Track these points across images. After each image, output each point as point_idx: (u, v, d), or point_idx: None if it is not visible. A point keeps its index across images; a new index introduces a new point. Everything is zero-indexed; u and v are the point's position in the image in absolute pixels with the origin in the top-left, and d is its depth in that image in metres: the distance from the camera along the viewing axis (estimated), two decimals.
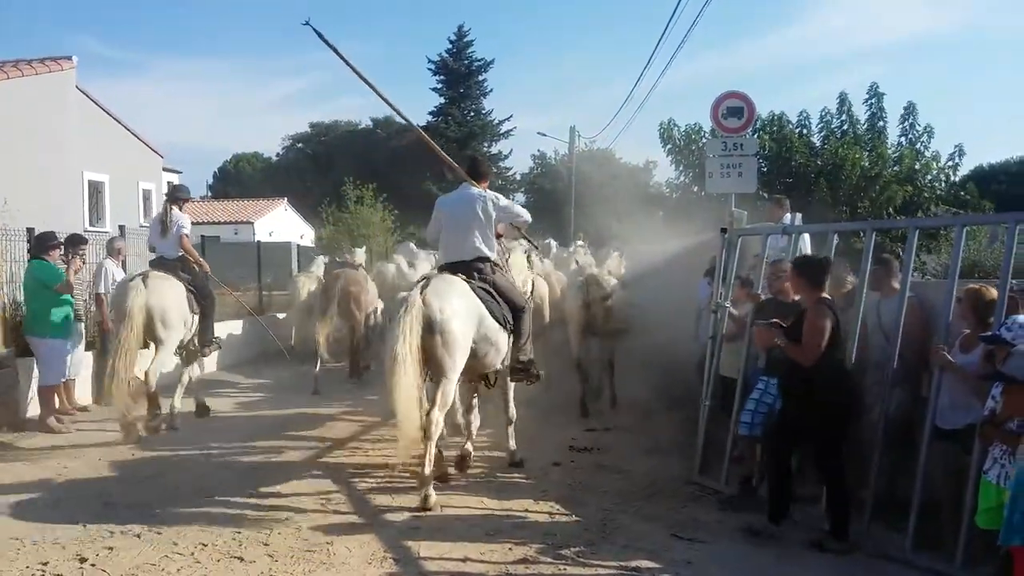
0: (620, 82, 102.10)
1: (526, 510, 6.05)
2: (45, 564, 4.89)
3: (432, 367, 6.04)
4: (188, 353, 9.32)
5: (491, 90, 61.25)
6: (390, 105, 7.71)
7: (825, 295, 5.61)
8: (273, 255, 18.12)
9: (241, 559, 4.98)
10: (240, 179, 67.88)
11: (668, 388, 9.62)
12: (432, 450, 6.01)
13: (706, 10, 14.20)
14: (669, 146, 17.88)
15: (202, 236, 14.52)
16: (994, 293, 5.07)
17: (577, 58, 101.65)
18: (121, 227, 11.77)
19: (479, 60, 60.04)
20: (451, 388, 6.21)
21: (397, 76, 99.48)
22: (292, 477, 6.81)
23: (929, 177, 15.72)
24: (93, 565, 4.88)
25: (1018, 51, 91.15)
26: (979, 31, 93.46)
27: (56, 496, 6.21)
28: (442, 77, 59.91)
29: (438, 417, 6.06)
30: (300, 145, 70.06)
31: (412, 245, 18.03)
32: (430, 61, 60.13)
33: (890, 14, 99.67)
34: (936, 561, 5.05)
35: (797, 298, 6.14)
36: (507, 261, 7.46)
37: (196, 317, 9.09)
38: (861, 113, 16.87)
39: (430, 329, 5.89)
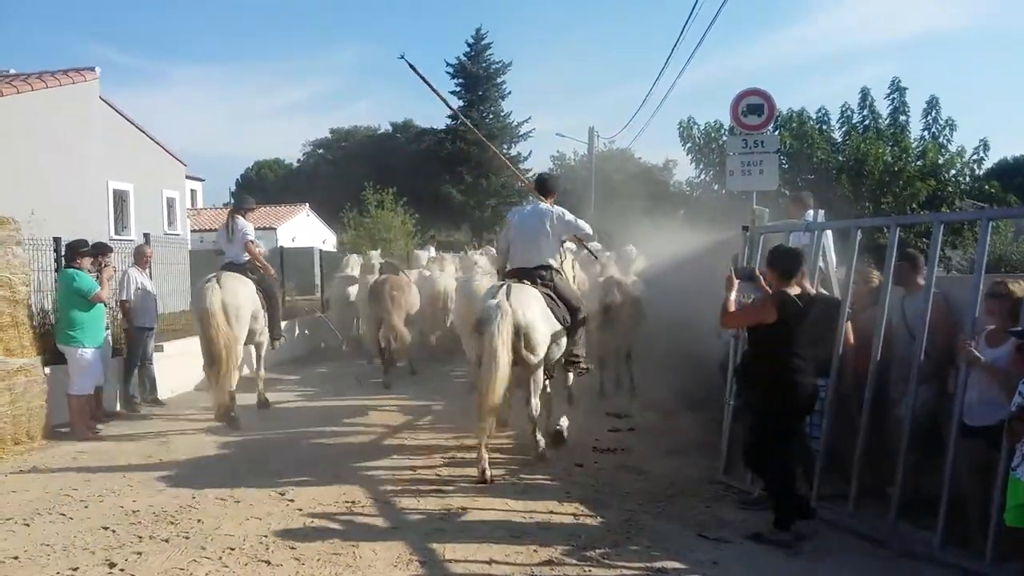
0: (638, 82, 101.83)
1: (550, 511, 6.05)
2: (75, 569, 4.94)
3: (519, 362, 6.97)
4: (257, 346, 10.25)
5: (509, 92, 61.25)
6: (479, 135, 10.39)
7: (790, 290, 5.54)
8: (296, 260, 18.23)
9: (268, 563, 5.02)
10: (263, 186, 68.35)
11: (690, 387, 9.59)
12: (539, 434, 7.40)
13: (720, 10, 14.24)
14: (689, 144, 17.82)
15: None
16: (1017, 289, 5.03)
17: (595, 59, 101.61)
18: (146, 235, 11.88)
19: (497, 63, 60.05)
20: (540, 376, 7.35)
21: (414, 78, 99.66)
22: (318, 481, 6.85)
23: (953, 172, 15.54)
24: (122, 570, 4.93)
25: None
26: (994, 25, 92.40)
27: (85, 503, 6.28)
28: (460, 80, 59.99)
29: (536, 403, 7.28)
30: (321, 151, 70.60)
31: (432, 248, 18.19)
32: (448, 64, 60.24)
33: (903, 10, 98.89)
34: (964, 559, 5.00)
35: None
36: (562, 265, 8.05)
37: (264, 314, 10.00)
38: (883, 108, 16.75)
39: (517, 332, 6.83)
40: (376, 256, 14.56)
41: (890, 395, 6.15)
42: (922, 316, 5.60)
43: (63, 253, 9.30)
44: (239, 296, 9.42)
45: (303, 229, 41.67)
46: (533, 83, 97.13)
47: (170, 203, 24.92)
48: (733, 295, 5.76)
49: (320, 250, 21.78)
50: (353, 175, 52.41)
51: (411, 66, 7.35)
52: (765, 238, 7.51)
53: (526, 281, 7.33)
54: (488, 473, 6.72)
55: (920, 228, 12.42)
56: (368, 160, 59.35)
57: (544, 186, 7.98)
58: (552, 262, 7.59)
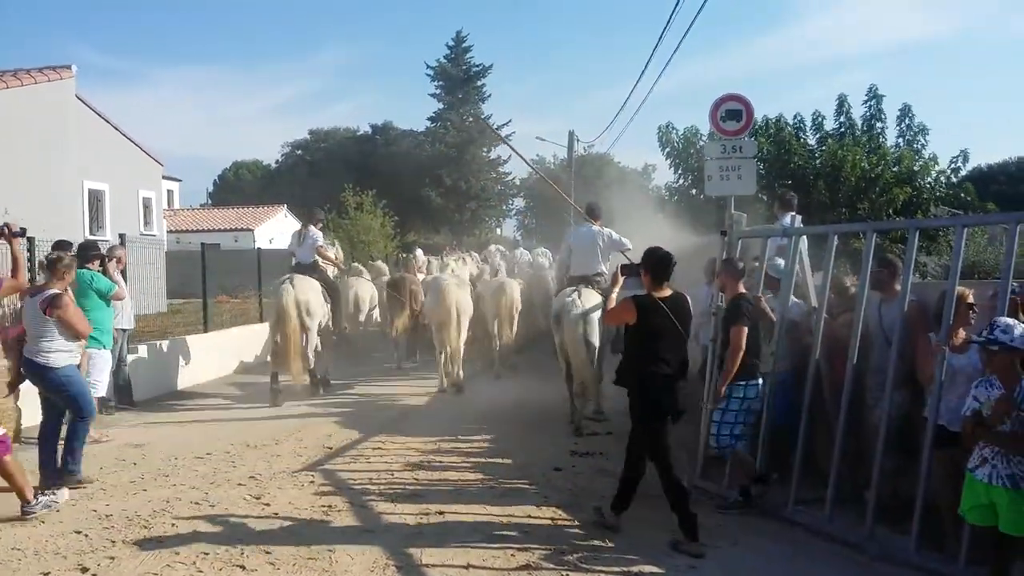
0: (618, 86, 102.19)
1: (528, 516, 6.03)
2: (47, 574, 4.88)
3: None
4: (323, 335, 11.78)
5: (490, 95, 61.44)
6: (546, 180, 11.80)
7: (662, 292, 5.69)
8: (273, 262, 18.13)
9: (243, 567, 4.97)
10: (240, 187, 67.93)
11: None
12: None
13: (699, 15, 14.40)
14: (668, 149, 17.89)
15: (201, 244, 14.49)
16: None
17: (574, 63, 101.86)
18: (121, 235, 11.73)
19: (477, 65, 60.12)
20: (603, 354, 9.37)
21: (394, 80, 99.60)
22: (294, 485, 6.80)
23: (929, 179, 15.71)
24: (95, 575, 4.86)
25: (1014, 54, 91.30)
26: (971, 35, 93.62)
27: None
28: (441, 82, 59.95)
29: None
30: (300, 152, 70.11)
31: (419, 251, 18.27)
32: (428, 67, 60.20)
33: (879, 20, 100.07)
34: (940, 562, 5.03)
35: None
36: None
37: (328, 307, 11.64)
38: (859, 116, 16.92)
39: (586, 321, 9.00)
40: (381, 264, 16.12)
41: (866, 400, 6.19)
42: (898, 322, 5.65)
43: (76, 253, 9.03)
44: (310, 294, 11.06)
45: (281, 230, 41.34)
46: (514, 86, 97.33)
47: (146, 203, 24.70)
48: (615, 292, 6.00)
49: None
50: (332, 177, 52.18)
51: (486, 123, 8.49)
52: (743, 243, 7.56)
53: (589, 286, 9.47)
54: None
55: (896, 234, 12.52)
56: (347, 162, 59.05)
57: (592, 212, 10.21)
58: (603, 270, 9.81)
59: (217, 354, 13.26)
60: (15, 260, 6.45)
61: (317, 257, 11.96)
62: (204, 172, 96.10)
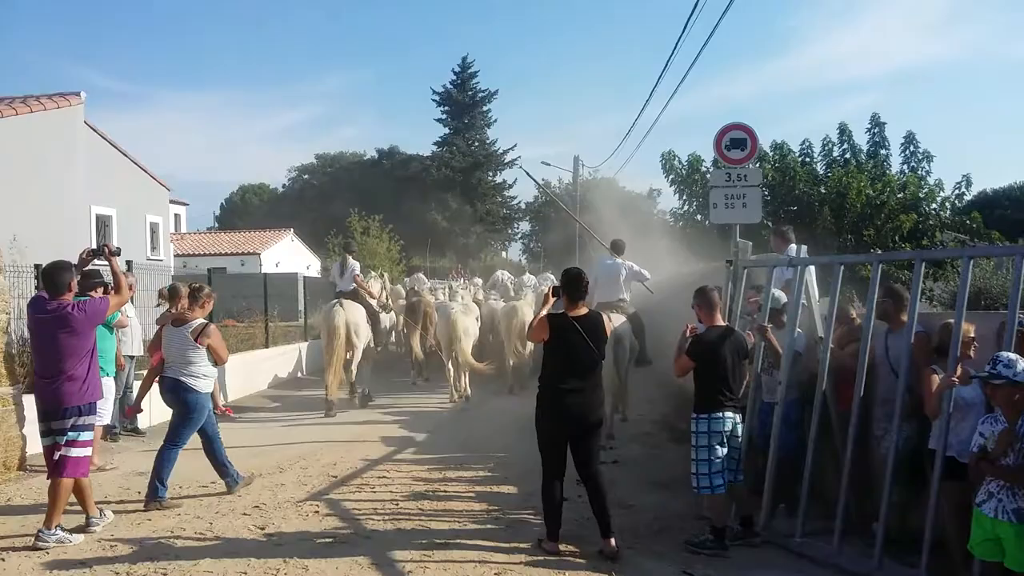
0: (625, 111, 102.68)
1: (534, 547, 5.98)
2: None
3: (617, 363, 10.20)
4: (365, 355, 13.08)
5: (495, 120, 61.83)
6: (594, 235, 13.85)
7: (577, 311, 5.92)
8: (279, 286, 18.17)
9: None
10: (247, 211, 68.26)
11: (675, 420, 9.56)
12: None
13: (704, 47, 14.39)
14: (672, 175, 17.90)
15: (208, 269, 14.55)
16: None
17: (581, 88, 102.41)
18: (128, 263, 11.75)
19: (483, 91, 60.54)
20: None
21: (400, 106, 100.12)
22: (299, 515, 6.77)
23: (934, 205, 15.69)
24: None
25: (1016, 79, 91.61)
26: (974, 60, 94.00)
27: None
28: (447, 107, 60.35)
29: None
30: (306, 176, 70.53)
31: (422, 276, 18.38)
32: (434, 92, 60.59)
33: (883, 46, 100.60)
34: None
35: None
36: None
37: (369, 329, 13.11)
38: (863, 142, 16.94)
39: (619, 341, 10.09)
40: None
41: (874, 431, 6.16)
42: (905, 352, 5.63)
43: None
44: (357, 316, 12.64)
45: (287, 254, 41.49)
46: (519, 111, 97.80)
47: (153, 228, 24.80)
48: (545, 311, 6.11)
49: (304, 276, 21.69)
50: (338, 200, 52.41)
51: (527, 172, 10.25)
52: (748, 272, 7.55)
53: (615, 311, 10.66)
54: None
55: (903, 261, 12.50)
56: (353, 185, 59.33)
57: (617, 248, 11.55)
58: (626, 296, 11.33)
59: (224, 380, 13.23)
60: (116, 277, 6.66)
61: (355, 285, 13.43)
62: (211, 196, 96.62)
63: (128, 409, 8.79)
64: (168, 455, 7.14)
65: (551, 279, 18.52)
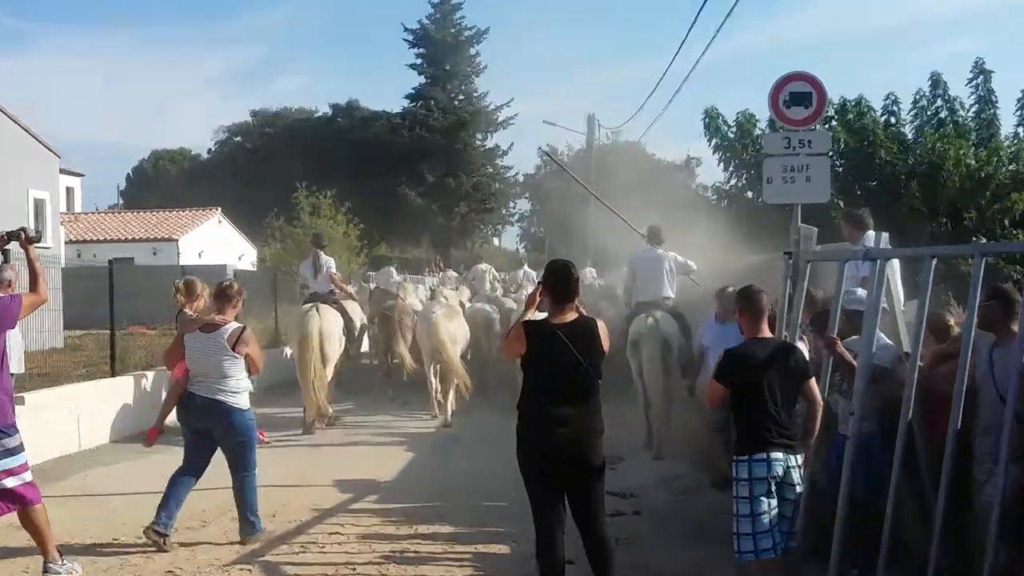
0: (653, 54, 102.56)
1: None
2: None
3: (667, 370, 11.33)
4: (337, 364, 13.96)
5: (485, 67, 61.53)
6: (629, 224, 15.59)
7: (565, 316, 5.79)
8: (206, 281, 18.11)
9: None
10: (161, 183, 68.17)
11: (714, 456, 9.57)
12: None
13: None
14: (715, 140, 17.89)
15: (110, 260, 14.48)
16: None
17: (597, 25, 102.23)
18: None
19: (470, 28, 60.12)
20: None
21: (363, 48, 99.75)
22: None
23: None
24: None
25: None
26: None
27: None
28: (421, 49, 59.91)
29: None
30: (238, 139, 70.45)
31: (392, 269, 18.42)
32: (407, 29, 60.28)
33: None
34: None
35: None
36: None
37: (345, 336, 14.13)
38: (964, 97, 16.93)
39: (666, 345, 11.32)
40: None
41: (974, 473, 6.17)
42: (1016, 372, 5.62)
43: None
44: (333, 324, 13.60)
45: (213, 241, 41.42)
46: (517, 56, 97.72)
47: (38, 206, 24.77)
48: (529, 314, 6.03)
49: (235, 269, 21.72)
50: (281, 171, 52.32)
51: (550, 155, 12.27)
52: (813, 266, 7.52)
53: (659, 311, 11.50)
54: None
55: (1014, 254, 12.51)
56: (300, 151, 59.14)
57: (657, 237, 12.37)
58: (671, 294, 12.08)
59: (126, 407, 13.17)
60: (33, 271, 6.73)
61: (332, 286, 14.81)
62: (114, 165, 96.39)
63: (151, 431, 9.17)
64: (248, 484, 7.69)
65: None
